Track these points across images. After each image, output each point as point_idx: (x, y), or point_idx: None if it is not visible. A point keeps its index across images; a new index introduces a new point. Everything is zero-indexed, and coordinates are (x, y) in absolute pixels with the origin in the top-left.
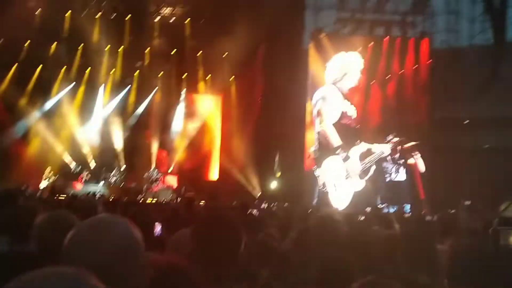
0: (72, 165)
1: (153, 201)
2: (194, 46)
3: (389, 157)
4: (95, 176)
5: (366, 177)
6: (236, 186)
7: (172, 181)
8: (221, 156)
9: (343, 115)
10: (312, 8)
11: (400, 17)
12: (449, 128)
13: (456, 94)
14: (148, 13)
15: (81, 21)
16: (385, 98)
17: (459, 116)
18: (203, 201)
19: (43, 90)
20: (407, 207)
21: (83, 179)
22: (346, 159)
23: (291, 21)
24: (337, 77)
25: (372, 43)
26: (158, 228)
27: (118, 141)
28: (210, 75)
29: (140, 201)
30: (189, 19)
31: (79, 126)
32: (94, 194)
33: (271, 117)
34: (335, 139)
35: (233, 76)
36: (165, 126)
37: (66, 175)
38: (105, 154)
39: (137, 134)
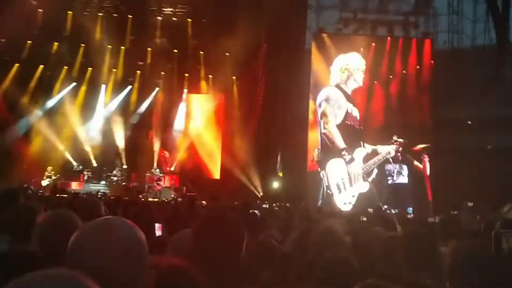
0: (74, 164)
1: (155, 201)
2: (196, 45)
3: (391, 160)
4: (97, 175)
5: (370, 179)
6: (238, 186)
7: (173, 180)
8: (223, 156)
9: (347, 116)
10: (315, 8)
11: (403, 17)
12: (451, 128)
13: (459, 94)
14: (150, 12)
15: (83, 20)
16: (387, 98)
17: (461, 116)
18: (205, 201)
19: (45, 89)
20: (410, 209)
21: (85, 178)
22: (350, 161)
23: (293, 21)
24: (341, 79)
25: (374, 43)
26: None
27: (120, 140)
28: (212, 74)
29: (142, 201)
30: (191, 18)
31: (81, 125)
32: (96, 192)
33: (273, 116)
34: (340, 141)
35: (235, 76)
36: (166, 126)
37: (67, 174)
38: (107, 153)
39: (138, 133)
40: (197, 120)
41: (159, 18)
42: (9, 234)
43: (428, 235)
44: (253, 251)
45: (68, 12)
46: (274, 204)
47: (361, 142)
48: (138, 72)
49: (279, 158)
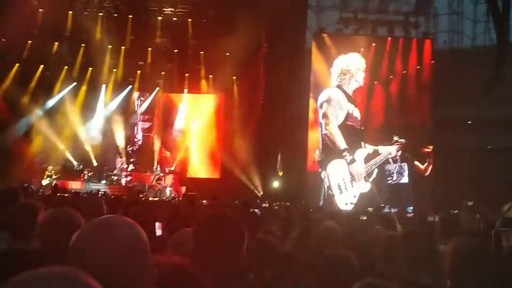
0: (74, 163)
1: (155, 200)
2: (196, 45)
3: (392, 160)
4: (97, 175)
5: (370, 179)
6: (238, 185)
7: (174, 180)
8: (223, 155)
9: (348, 117)
10: (315, 8)
11: (403, 17)
12: (451, 128)
13: (459, 94)
14: (150, 12)
15: (83, 20)
16: (388, 99)
17: (462, 116)
18: (205, 200)
19: (46, 89)
20: (410, 208)
21: (85, 178)
22: (351, 162)
23: (293, 21)
24: (342, 80)
25: (374, 43)
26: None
27: (120, 140)
28: (212, 74)
29: (142, 200)
30: (191, 18)
31: (81, 124)
32: (97, 192)
33: (273, 116)
34: (341, 142)
35: (235, 76)
36: (167, 125)
37: (68, 173)
38: (107, 152)
39: (139, 133)
40: (197, 120)
41: (160, 18)
42: (8, 232)
43: (428, 234)
44: (253, 250)
45: (69, 12)
46: (274, 204)
47: (362, 143)
48: (139, 72)
49: (279, 158)
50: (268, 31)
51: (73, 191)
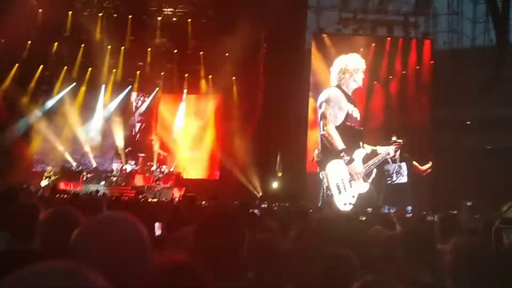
0: (73, 164)
1: (154, 201)
2: (196, 45)
3: (391, 160)
4: (96, 176)
5: (369, 180)
6: (237, 186)
7: (173, 180)
8: (223, 156)
9: (348, 117)
10: (315, 8)
11: (403, 17)
12: (451, 128)
13: (458, 95)
14: (150, 12)
15: (83, 20)
16: (387, 99)
17: (461, 116)
18: (204, 201)
19: (45, 89)
20: (409, 208)
21: (84, 179)
22: (350, 162)
23: (293, 21)
24: (341, 80)
25: (374, 43)
26: (158, 228)
27: (120, 141)
28: (211, 74)
29: (141, 201)
30: (191, 18)
31: (81, 125)
32: (97, 191)
33: (273, 116)
34: (339, 142)
35: (235, 76)
36: (166, 126)
37: (67, 174)
38: (107, 153)
39: (138, 133)
40: (196, 120)
41: (159, 18)
42: (8, 232)
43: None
44: (252, 249)
45: (68, 12)
46: (273, 204)
47: (361, 143)
48: (138, 72)
49: (278, 158)
50: (267, 31)
51: (72, 192)
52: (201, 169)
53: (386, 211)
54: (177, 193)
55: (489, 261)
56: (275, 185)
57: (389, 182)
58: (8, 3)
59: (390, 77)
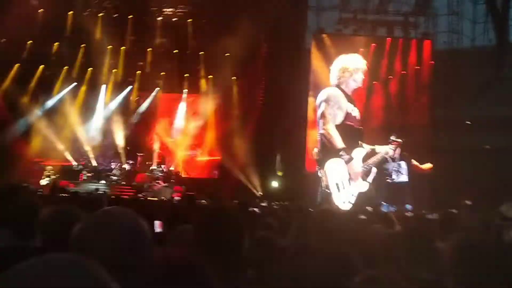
0: (73, 163)
1: (154, 199)
2: (196, 45)
3: (390, 159)
4: (96, 175)
5: (368, 179)
6: (237, 185)
7: (173, 180)
8: (222, 155)
9: (347, 117)
10: (315, 8)
11: (402, 17)
12: (450, 128)
13: (458, 94)
14: (150, 12)
15: (83, 21)
16: (387, 99)
17: (460, 116)
18: (204, 200)
19: (45, 89)
20: (408, 206)
21: (84, 178)
22: (349, 161)
23: (293, 21)
24: (340, 79)
25: (374, 43)
26: (158, 226)
27: (120, 140)
28: (212, 74)
29: (141, 199)
30: (191, 19)
31: (81, 124)
32: (97, 190)
33: (273, 116)
34: (339, 141)
35: (235, 76)
36: (166, 125)
37: (66, 174)
38: (106, 153)
39: (138, 133)
40: (196, 120)
41: (159, 18)
42: (9, 230)
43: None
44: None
45: (69, 12)
46: (273, 203)
47: (360, 142)
48: (138, 72)
49: (278, 158)
50: (267, 31)
51: (72, 191)
52: (201, 168)
53: (386, 210)
54: (176, 192)
55: (490, 258)
56: (274, 184)
57: (388, 181)
58: (8, 3)
59: (390, 77)
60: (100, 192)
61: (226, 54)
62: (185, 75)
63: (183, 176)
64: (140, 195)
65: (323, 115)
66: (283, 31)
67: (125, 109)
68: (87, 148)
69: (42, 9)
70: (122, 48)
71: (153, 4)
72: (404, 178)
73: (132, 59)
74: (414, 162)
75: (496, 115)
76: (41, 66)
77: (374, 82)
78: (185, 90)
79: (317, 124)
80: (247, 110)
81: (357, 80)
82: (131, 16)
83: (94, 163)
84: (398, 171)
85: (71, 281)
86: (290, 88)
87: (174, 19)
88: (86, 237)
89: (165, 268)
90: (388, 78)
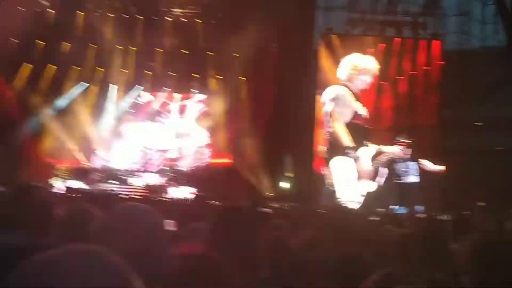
0: (84, 163)
1: (166, 199)
2: (205, 46)
3: (398, 159)
4: (108, 175)
5: (378, 179)
6: (246, 186)
7: (184, 180)
8: (233, 156)
9: (354, 115)
10: (323, 9)
11: (411, 18)
12: (460, 129)
13: (468, 95)
14: (160, 13)
15: (94, 21)
16: (395, 99)
17: (471, 117)
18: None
19: (56, 89)
20: (419, 208)
21: (95, 178)
22: (356, 160)
23: (301, 21)
24: (348, 76)
25: (382, 44)
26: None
27: (130, 140)
28: (221, 75)
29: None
30: (200, 19)
31: (92, 124)
32: (109, 190)
33: (282, 116)
34: (346, 140)
35: (244, 76)
36: (176, 126)
37: (78, 174)
38: (118, 153)
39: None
40: (206, 120)
41: (169, 19)
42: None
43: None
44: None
45: (80, 12)
46: (283, 204)
47: (367, 142)
48: (148, 72)
49: (288, 158)
50: (276, 31)
51: (84, 191)
52: (211, 169)
53: (396, 211)
54: (188, 193)
55: (506, 258)
56: (285, 185)
57: (396, 181)
58: (19, 3)
59: (399, 77)
60: (112, 192)
61: (235, 55)
62: (195, 75)
63: (193, 176)
64: (152, 195)
65: (330, 113)
66: (291, 31)
67: (134, 109)
68: (98, 147)
69: (53, 10)
70: (132, 48)
71: (163, 5)
72: (413, 179)
73: (141, 60)
74: (425, 163)
75: (506, 115)
76: (52, 66)
77: (383, 82)
78: (195, 90)
79: (324, 122)
80: (257, 110)
81: (365, 80)
82: (140, 16)
83: (105, 163)
84: (407, 172)
85: (93, 270)
86: (298, 88)
87: (183, 20)
88: (106, 232)
89: (184, 263)
90: (397, 79)
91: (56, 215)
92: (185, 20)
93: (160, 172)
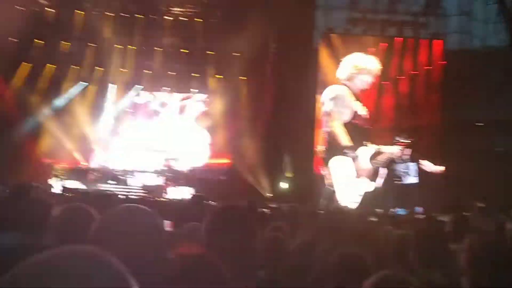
0: (82, 163)
1: (163, 200)
2: (204, 45)
3: (397, 160)
4: (105, 175)
5: (377, 180)
6: (246, 186)
7: (181, 180)
8: (232, 156)
9: (354, 115)
10: (323, 8)
11: (412, 17)
12: (462, 130)
13: (469, 96)
14: (159, 12)
15: (92, 20)
16: (397, 99)
17: (472, 118)
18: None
19: (54, 88)
20: (418, 209)
21: (92, 178)
22: (354, 159)
23: (302, 21)
24: (349, 75)
25: (383, 43)
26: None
27: (128, 140)
28: (220, 74)
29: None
30: (200, 18)
31: (90, 124)
32: (106, 190)
33: (282, 116)
34: (344, 140)
35: (244, 76)
36: (175, 126)
37: (75, 173)
38: (115, 152)
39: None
40: (205, 120)
41: (168, 18)
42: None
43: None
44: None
45: (79, 12)
46: (282, 205)
47: (366, 142)
48: (147, 71)
49: (287, 159)
50: (276, 31)
51: (81, 190)
52: (210, 169)
53: (395, 212)
54: (186, 193)
55: (505, 260)
56: (284, 185)
57: (396, 182)
58: (18, 2)
59: (400, 77)
60: (110, 191)
61: (235, 54)
62: (194, 74)
63: (192, 176)
64: (149, 195)
65: (329, 113)
66: (291, 31)
67: (133, 109)
68: (96, 147)
69: (51, 9)
70: (131, 47)
71: (162, 4)
72: (412, 179)
73: (140, 59)
74: (425, 163)
75: (508, 117)
76: (50, 66)
77: (384, 82)
78: (194, 90)
79: (322, 121)
80: (256, 110)
81: (365, 80)
82: (139, 15)
83: (102, 163)
84: (406, 173)
85: (90, 271)
86: (298, 88)
87: (182, 19)
88: (104, 232)
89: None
90: (397, 79)
91: (53, 215)
92: (185, 19)
93: (159, 172)
